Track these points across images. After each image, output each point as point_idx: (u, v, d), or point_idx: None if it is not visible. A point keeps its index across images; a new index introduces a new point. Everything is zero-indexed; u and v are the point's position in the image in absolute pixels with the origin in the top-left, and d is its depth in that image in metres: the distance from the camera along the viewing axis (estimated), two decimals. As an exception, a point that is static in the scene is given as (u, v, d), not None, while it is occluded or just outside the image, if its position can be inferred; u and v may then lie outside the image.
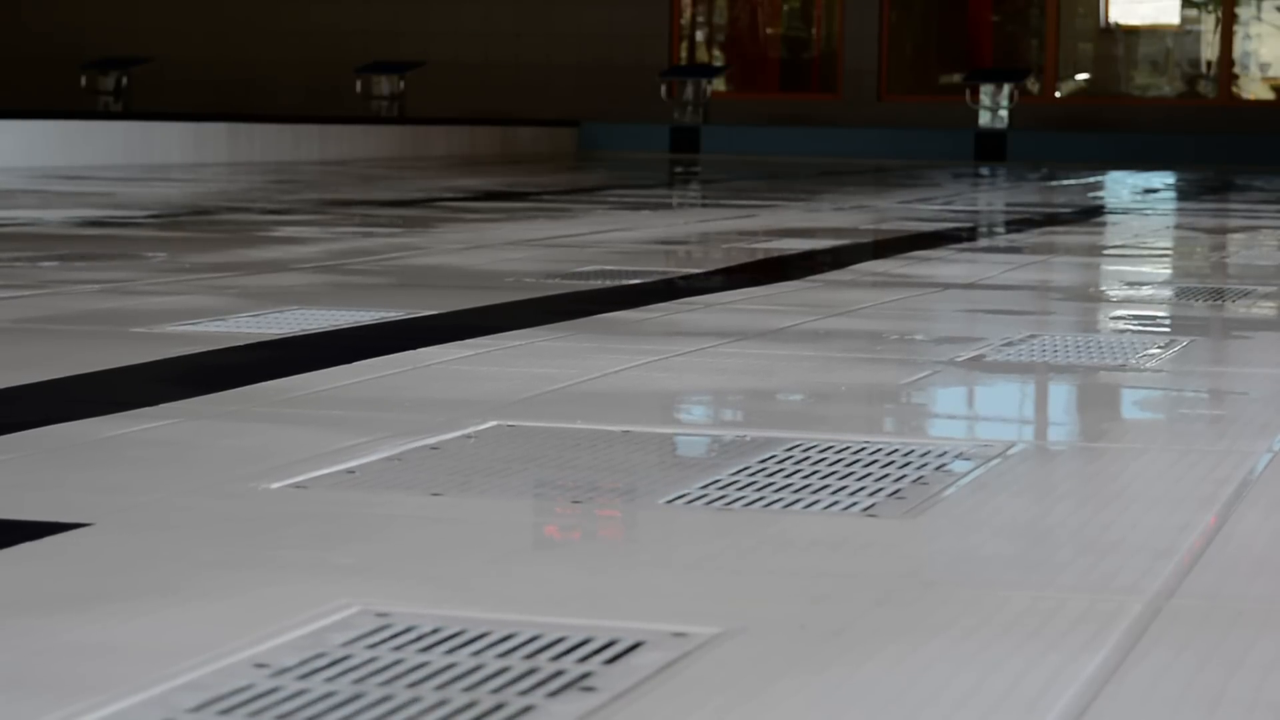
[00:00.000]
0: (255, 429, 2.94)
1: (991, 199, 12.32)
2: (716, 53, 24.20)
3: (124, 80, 22.63)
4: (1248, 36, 22.76)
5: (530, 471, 2.61)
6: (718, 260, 6.96)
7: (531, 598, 1.96)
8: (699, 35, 24.12)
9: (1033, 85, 22.75)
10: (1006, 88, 21.51)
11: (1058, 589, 2.02)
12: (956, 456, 2.78)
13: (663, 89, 22.33)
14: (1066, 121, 22.29)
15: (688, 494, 2.49)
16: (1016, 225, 9.38)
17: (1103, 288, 5.80)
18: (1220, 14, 22.57)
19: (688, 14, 23.83)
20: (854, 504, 2.43)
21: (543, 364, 3.69)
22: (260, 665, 1.70)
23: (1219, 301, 5.23)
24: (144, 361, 3.68)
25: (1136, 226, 9.04)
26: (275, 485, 2.50)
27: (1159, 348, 4.15)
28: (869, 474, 2.63)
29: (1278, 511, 2.44)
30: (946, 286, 5.57)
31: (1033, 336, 4.29)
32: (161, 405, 3.13)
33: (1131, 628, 1.86)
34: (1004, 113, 21.47)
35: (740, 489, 2.52)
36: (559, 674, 1.69)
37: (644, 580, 2.04)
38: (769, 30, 24.16)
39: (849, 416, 3.18)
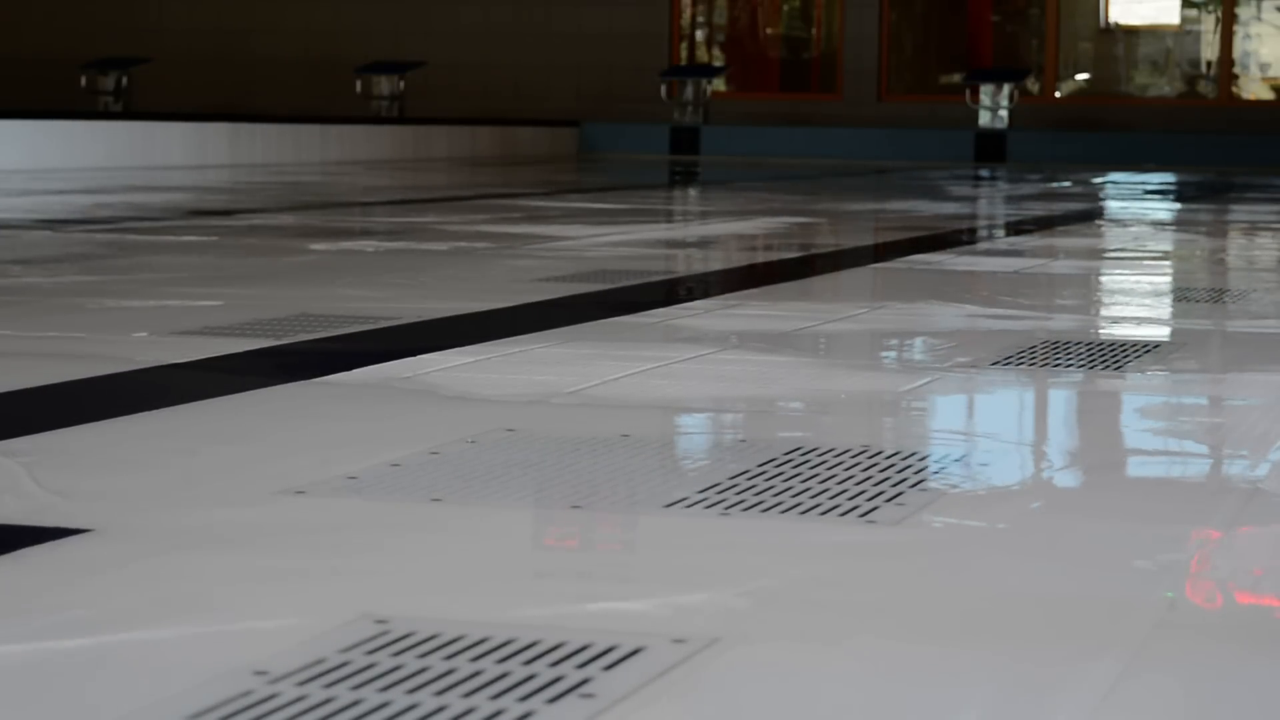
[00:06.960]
0: (255, 435, 2.94)
1: (991, 201, 12.33)
2: (716, 53, 24.21)
3: (124, 80, 22.63)
4: (1248, 36, 22.76)
5: (530, 477, 2.62)
6: (717, 264, 6.97)
7: (531, 603, 1.96)
8: (699, 35, 24.12)
9: (1033, 85, 22.75)
10: (1006, 88, 21.51)
11: (1057, 601, 2.02)
12: (956, 463, 2.79)
13: (663, 89, 22.33)
14: (1066, 122, 22.29)
15: (687, 499, 2.49)
16: (1016, 228, 9.39)
17: (1102, 291, 5.80)
18: (1220, 14, 22.58)
19: (688, 14, 23.84)
20: (854, 509, 2.44)
21: (543, 370, 3.69)
22: (259, 672, 1.70)
23: (1218, 306, 5.23)
24: (146, 367, 3.68)
25: (1136, 229, 9.04)
26: (275, 491, 2.50)
27: (1158, 353, 4.15)
28: (868, 479, 2.63)
29: (1277, 522, 2.45)
30: (946, 291, 5.58)
31: (1032, 341, 4.30)
32: (161, 410, 3.13)
33: (1130, 641, 1.87)
34: (1004, 113, 21.47)
35: (739, 493, 2.52)
36: (558, 680, 1.70)
37: (643, 586, 2.05)
38: (769, 30, 24.16)
39: (849, 422, 3.19)
